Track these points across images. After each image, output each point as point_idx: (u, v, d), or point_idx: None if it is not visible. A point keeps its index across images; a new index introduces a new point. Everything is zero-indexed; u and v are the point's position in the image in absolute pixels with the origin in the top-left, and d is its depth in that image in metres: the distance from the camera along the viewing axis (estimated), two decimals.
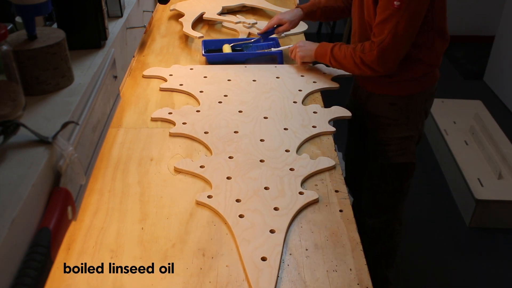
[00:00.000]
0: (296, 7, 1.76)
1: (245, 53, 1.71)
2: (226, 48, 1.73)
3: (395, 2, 1.26)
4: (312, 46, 1.55)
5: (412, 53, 1.39)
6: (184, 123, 1.32)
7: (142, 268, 0.89)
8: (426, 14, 1.32)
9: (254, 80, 1.56)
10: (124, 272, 0.89)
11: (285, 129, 1.30)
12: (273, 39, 1.79)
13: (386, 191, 1.62)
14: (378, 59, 1.34)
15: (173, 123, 1.32)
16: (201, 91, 1.49)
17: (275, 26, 1.72)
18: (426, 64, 1.43)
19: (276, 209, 1.03)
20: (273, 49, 1.71)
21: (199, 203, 1.05)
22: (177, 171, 1.15)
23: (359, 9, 1.45)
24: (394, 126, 1.51)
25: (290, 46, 1.77)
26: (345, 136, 1.81)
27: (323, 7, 1.70)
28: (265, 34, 1.75)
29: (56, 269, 0.88)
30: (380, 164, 1.57)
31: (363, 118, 1.59)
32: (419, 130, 1.56)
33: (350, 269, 0.90)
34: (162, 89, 1.51)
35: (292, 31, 1.93)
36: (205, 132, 1.28)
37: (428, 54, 1.41)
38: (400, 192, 1.63)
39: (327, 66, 1.61)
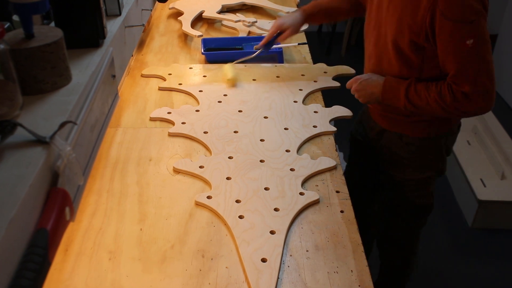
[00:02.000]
0: (297, 9, 1.65)
1: (245, 51, 1.71)
2: (228, 68, 1.58)
3: (467, 42, 1.11)
4: (374, 88, 1.29)
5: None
6: (183, 123, 1.32)
7: (141, 269, 0.89)
8: None
9: (254, 80, 1.56)
10: (123, 273, 0.89)
11: (286, 129, 1.30)
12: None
13: (399, 227, 1.54)
14: (483, 104, 1.17)
15: (172, 123, 1.32)
16: (200, 91, 1.49)
17: (276, 34, 1.56)
18: None
19: (276, 209, 1.03)
20: (281, 45, 1.70)
21: (198, 204, 1.05)
22: (176, 171, 1.15)
23: (376, 33, 1.30)
24: (410, 166, 1.39)
25: (292, 44, 1.76)
26: (346, 136, 1.80)
27: (326, 8, 1.57)
28: (267, 46, 1.59)
29: (54, 270, 0.89)
30: (393, 203, 1.49)
31: (374, 152, 1.47)
32: (440, 170, 1.44)
33: (351, 271, 0.90)
34: (161, 89, 1.51)
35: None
36: (205, 132, 1.28)
37: None
38: (415, 227, 1.55)
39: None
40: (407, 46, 1.20)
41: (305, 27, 1.95)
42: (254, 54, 1.61)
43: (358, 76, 1.35)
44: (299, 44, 1.79)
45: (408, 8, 1.18)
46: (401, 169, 1.41)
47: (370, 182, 1.60)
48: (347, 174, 1.65)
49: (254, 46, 1.62)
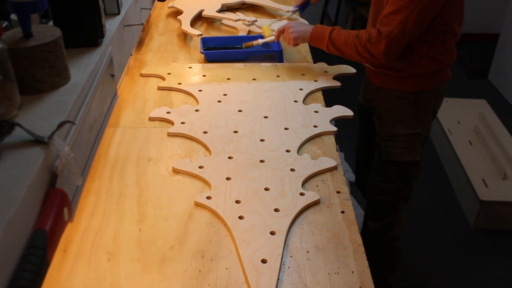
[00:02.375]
0: None
1: (244, 50, 1.71)
2: (266, 29, 1.72)
3: None
4: (306, 27, 1.51)
5: (423, 49, 1.39)
6: (182, 123, 1.32)
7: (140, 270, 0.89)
8: (439, 12, 1.32)
9: (254, 79, 1.56)
10: (122, 274, 0.89)
11: (286, 128, 1.30)
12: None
13: (389, 191, 1.61)
14: (384, 50, 1.33)
15: (172, 123, 1.33)
16: (200, 90, 1.49)
17: None
18: (437, 61, 1.43)
19: (276, 210, 1.03)
20: (260, 40, 1.69)
21: (198, 204, 1.05)
22: (176, 171, 1.15)
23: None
24: (400, 121, 1.50)
25: (279, 24, 1.77)
26: (347, 136, 1.81)
27: None
28: (303, 6, 1.77)
29: (52, 271, 0.89)
30: (384, 161, 1.57)
31: (370, 112, 1.59)
32: (426, 129, 1.55)
33: (352, 272, 0.91)
34: (160, 88, 1.51)
35: None
36: (204, 132, 1.28)
37: (439, 52, 1.41)
38: (402, 193, 1.62)
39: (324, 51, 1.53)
40: None
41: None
42: (290, 12, 1.82)
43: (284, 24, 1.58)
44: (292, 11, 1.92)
45: None
46: (392, 125, 1.51)
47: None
48: (358, 149, 1.84)
49: (295, 5, 1.84)
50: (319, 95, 1.51)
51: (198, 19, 2.03)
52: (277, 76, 1.58)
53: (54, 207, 0.71)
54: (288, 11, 1.90)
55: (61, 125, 0.75)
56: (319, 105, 1.42)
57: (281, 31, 1.58)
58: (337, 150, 1.25)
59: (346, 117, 1.40)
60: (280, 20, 1.98)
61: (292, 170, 1.15)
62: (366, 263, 0.92)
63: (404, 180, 1.59)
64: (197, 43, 1.82)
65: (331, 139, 1.29)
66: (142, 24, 1.57)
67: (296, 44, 1.57)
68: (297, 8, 1.80)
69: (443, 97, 1.58)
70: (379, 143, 1.58)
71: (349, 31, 1.41)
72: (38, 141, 0.73)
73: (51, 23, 1.06)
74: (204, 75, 1.58)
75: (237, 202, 1.05)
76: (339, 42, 1.41)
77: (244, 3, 2.14)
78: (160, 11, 2.16)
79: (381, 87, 1.52)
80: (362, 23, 3.88)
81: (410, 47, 1.38)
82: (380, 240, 1.70)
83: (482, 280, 2.07)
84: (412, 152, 1.53)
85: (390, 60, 1.38)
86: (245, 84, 1.53)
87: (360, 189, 1.89)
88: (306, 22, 1.99)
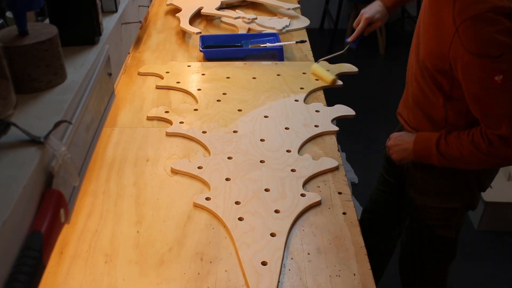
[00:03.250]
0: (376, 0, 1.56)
1: (244, 49, 1.71)
2: (320, 70, 1.57)
3: (495, 78, 1.02)
4: (407, 144, 1.26)
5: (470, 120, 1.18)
6: (181, 122, 1.32)
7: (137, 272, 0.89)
8: None
9: (254, 78, 1.56)
10: (119, 276, 0.89)
11: (286, 128, 1.30)
12: (274, 34, 1.79)
13: (421, 256, 1.48)
14: None
15: (170, 122, 1.33)
16: (199, 89, 1.49)
17: (365, 27, 1.54)
18: None
19: (277, 211, 1.03)
20: (268, 45, 1.70)
21: (197, 205, 1.05)
22: (174, 172, 1.15)
23: (416, 49, 1.26)
24: (436, 193, 1.32)
25: (290, 42, 1.75)
26: (349, 136, 1.80)
27: None
28: (357, 40, 1.57)
29: (48, 273, 0.89)
30: (416, 229, 1.43)
31: (402, 169, 1.42)
32: (467, 203, 1.35)
33: (354, 274, 0.91)
34: (158, 87, 1.51)
35: (293, 26, 1.94)
36: (203, 132, 1.28)
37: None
38: (438, 259, 1.46)
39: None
40: (434, 67, 1.15)
41: (306, 23, 1.95)
42: (343, 50, 1.60)
43: (393, 134, 1.35)
44: (297, 42, 1.77)
45: (435, 28, 1.12)
46: (424, 194, 1.35)
47: (396, 204, 1.55)
48: (374, 193, 1.64)
49: (347, 40, 1.61)
50: (320, 94, 1.51)
51: (197, 16, 2.03)
52: (278, 74, 1.58)
53: (51, 208, 0.71)
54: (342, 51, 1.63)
55: (57, 124, 0.75)
56: (320, 105, 1.42)
57: (388, 141, 1.36)
58: (338, 150, 1.25)
59: (347, 116, 1.40)
60: (281, 18, 1.98)
61: (292, 170, 1.15)
62: (368, 266, 0.92)
63: (437, 252, 1.44)
64: (196, 41, 1.82)
65: (333, 139, 1.29)
66: (140, 22, 1.57)
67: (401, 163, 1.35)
68: (348, 44, 1.59)
69: (493, 170, 1.36)
70: (407, 206, 1.43)
71: (459, 137, 1.15)
72: (34, 141, 0.73)
73: (47, 20, 1.06)
74: (203, 74, 1.58)
75: (237, 203, 1.05)
76: (451, 156, 1.16)
77: (243, 1, 2.14)
78: (158, 8, 2.16)
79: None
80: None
81: (454, 117, 1.20)
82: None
83: (486, 282, 2.07)
84: (445, 227, 1.36)
85: None
86: (245, 83, 1.53)
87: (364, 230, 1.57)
88: (307, 20, 2.00)
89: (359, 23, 1.53)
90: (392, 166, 1.48)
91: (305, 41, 1.79)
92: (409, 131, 1.32)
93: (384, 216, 1.63)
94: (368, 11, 1.53)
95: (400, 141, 1.29)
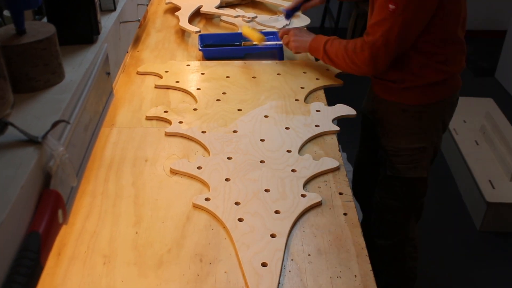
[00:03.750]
0: None
1: (243, 48, 1.71)
2: (249, 31, 1.69)
3: (390, 6, 1.26)
4: (307, 37, 1.53)
5: (422, 59, 1.38)
6: (180, 122, 1.32)
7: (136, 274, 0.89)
8: (431, 20, 1.31)
9: (254, 77, 1.56)
10: (118, 278, 0.89)
11: (287, 128, 1.30)
12: (274, 33, 1.79)
13: (395, 208, 1.58)
14: (368, 60, 1.34)
15: (169, 122, 1.33)
16: (198, 89, 1.49)
17: (302, 1, 1.69)
18: (440, 71, 1.40)
19: (277, 212, 1.03)
20: (269, 43, 1.70)
21: (196, 206, 1.05)
22: (173, 172, 1.15)
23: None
24: (405, 135, 1.47)
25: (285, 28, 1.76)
26: (350, 136, 1.80)
27: None
28: (292, 10, 1.71)
29: (46, 275, 0.89)
30: (389, 177, 1.54)
31: (374, 124, 1.58)
32: (435, 143, 1.51)
33: (355, 276, 0.91)
34: (157, 86, 1.51)
35: (294, 25, 1.93)
36: (203, 132, 1.28)
37: (441, 61, 1.39)
38: (409, 210, 1.58)
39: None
40: None
41: (307, 22, 1.95)
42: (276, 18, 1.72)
43: (290, 29, 1.59)
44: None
45: None
46: (396, 139, 1.49)
47: (375, 165, 1.65)
48: (358, 157, 1.81)
49: (280, 8, 1.73)
50: (321, 93, 1.51)
51: (197, 15, 2.03)
52: (278, 74, 1.58)
53: (48, 209, 0.71)
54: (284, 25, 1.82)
55: (55, 124, 0.75)
56: (321, 104, 1.42)
57: (285, 33, 1.60)
58: (339, 150, 1.25)
59: (348, 116, 1.40)
60: (281, 17, 1.98)
61: (293, 171, 1.15)
62: (369, 267, 0.92)
63: (410, 198, 1.56)
64: (195, 40, 1.82)
65: (333, 139, 1.29)
66: (139, 20, 1.57)
67: (297, 52, 1.61)
68: (284, 11, 1.75)
69: (453, 108, 1.54)
70: (381, 157, 1.56)
71: (341, 41, 1.43)
72: (32, 141, 0.73)
73: (45, 19, 1.06)
74: (202, 73, 1.58)
75: (237, 203, 1.05)
76: (331, 54, 1.43)
77: None
78: (157, 7, 2.16)
79: (384, 99, 1.50)
80: (365, 19, 3.89)
81: (409, 57, 1.37)
82: (391, 259, 1.66)
83: (489, 283, 2.08)
84: (418, 168, 1.50)
85: (377, 71, 1.39)
86: (244, 82, 1.53)
87: (357, 199, 1.83)
88: (308, 19, 2.00)
89: None
90: (367, 123, 1.63)
91: None
92: (375, 83, 1.54)
93: (367, 174, 1.76)
94: None
95: (301, 37, 1.55)
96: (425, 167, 1.51)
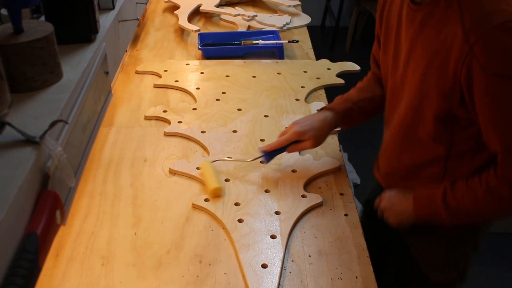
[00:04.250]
0: (321, 109, 1.19)
1: (243, 47, 1.72)
2: (207, 172, 1.13)
3: None
4: (404, 205, 1.05)
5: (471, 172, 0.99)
6: (179, 122, 1.32)
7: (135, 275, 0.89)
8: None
9: (254, 76, 1.57)
10: (116, 279, 0.89)
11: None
12: (274, 32, 1.79)
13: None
14: None
15: (168, 122, 1.33)
16: (197, 88, 1.49)
17: (290, 143, 1.13)
18: None
19: (277, 213, 1.03)
20: (261, 42, 1.69)
21: (195, 207, 1.05)
22: (172, 172, 1.15)
23: (394, 98, 1.06)
24: (426, 262, 1.15)
25: (283, 41, 1.67)
26: (350, 135, 1.79)
27: (359, 101, 1.18)
28: (272, 153, 1.13)
29: (44, 276, 0.89)
30: (407, 278, 1.23)
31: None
32: (461, 272, 1.17)
33: (356, 277, 0.91)
34: (156, 86, 1.51)
35: (294, 24, 1.94)
36: (202, 132, 1.28)
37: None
38: None
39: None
40: (434, 114, 0.93)
41: (307, 21, 1.94)
42: (251, 159, 1.16)
43: (384, 193, 1.12)
44: (289, 42, 1.73)
45: (434, 63, 0.90)
46: (412, 264, 1.17)
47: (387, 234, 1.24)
48: (364, 217, 1.32)
49: (260, 149, 1.14)
50: (322, 93, 1.51)
51: (196, 14, 2.03)
52: (278, 73, 1.59)
53: (46, 209, 0.71)
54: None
55: (53, 124, 0.75)
56: (322, 104, 1.42)
57: (379, 202, 1.13)
58: (340, 150, 1.25)
59: None
60: (281, 15, 1.98)
61: (293, 171, 1.15)
62: (370, 268, 0.92)
63: None
64: (194, 39, 1.82)
65: (334, 139, 1.29)
66: (138, 19, 1.57)
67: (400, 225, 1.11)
68: (261, 155, 1.13)
69: (487, 229, 1.19)
70: (397, 249, 1.22)
71: (469, 186, 0.95)
72: (30, 141, 0.73)
73: (43, 18, 1.06)
74: (202, 73, 1.58)
75: (236, 204, 1.05)
76: (464, 210, 0.96)
77: None
78: (156, 5, 2.16)
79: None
80: (367, 18, 3.89)
81: (456, 172, 1.00)
82: None
83: (493, 285, 2.07)
84: (443, 270, 1.16)
85: None
86: (244, 81, 1.53)
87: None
88: (309, 18, 2.00)
89: (285, 134, 1.13)
90: (371, 216, 1.20)
91: (297, 41, 1.75)
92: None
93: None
94: (300, 123, 1.13)
95: (395, 202, 1.08)
96: (452, 267, 1.17)
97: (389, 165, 1.13)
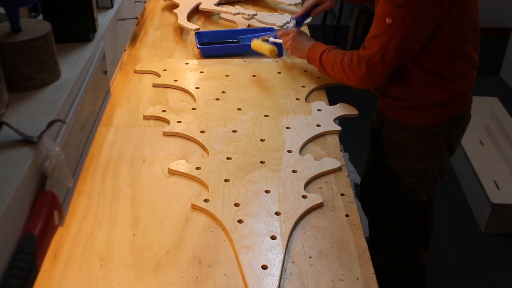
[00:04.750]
0: None
1: (242, 44, 1.71)
2: (260, 44, 1.61)
3: (387, 19, 1.23)
4: (306, 44, 1.50)
5: (428, 77, 1.33)
6: (178, 122, 1.32)
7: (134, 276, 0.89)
8: (434, 37, 1.26)
9: (254, 76, 1.56)
10: (115, 281, 0.89)
11: (287, 128, 1.30)
12: (271, 29, 1.79)
13: (393, 230, 1.54)
14: (365, 75, 1.31)
15: (167, 122, 1.33)
16: (197, 87, 1.49)
17: (312, 7, 1.62)
18: (447, 90, 1.35)
19: (277, 213, 1.03)
20: (271, 39, 1.70)
21: (195, 207, 1.05)
22: (172, 173, 1.15)
23: None
24: (406, 155, 1.43)
25: (287, 29, 1.75)
26: (352, 135, 1.80)
27: None
28: (302, 18, 1.64)
29: (42, 278, 0.89)
30: (388, 197, 1.51)
31: (380, 140, 1.53)
32: (438, 166, 1.45)
33: (357, 278, 0.91)
34: (155, 85, 1.51)
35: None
36: (202, 131, 1.28)
37: (448, 80, 1.33)
38: (411, 234, 1.54)
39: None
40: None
41: (308, 20, 1.95)
42: (283, 27, 1.74)
43: (292, 32, 1.55)
44: None
45: None
46: (397, 158, 1.46)
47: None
48: (366, 172, 1.75)
49: (291, 17, 1.70)
50: (323, 92, 1.51)
51: (195, 12, 2.03)
52: (278, 72, 1.59)
53: (44, 210, 0.71)
54: (285, 24, 1.84)
55: (51, 124, 0.75)
56: (323, 103, 1.42)
57: (286, 34, 1.57)
58: (341, 150, 1.25)
59: (350, 115, 1.40)
60: (281, 14, 1.98)
61: (294, 171, 1.15)
62: (371, 269, 0.92)
63: (409, 221, 1.51)
64: (194, 38, 1.82)
65: (335, 139, 1.29)
66: (136, 18, 1.57)
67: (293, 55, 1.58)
68: (294, 20, 1.65)
69: (463, 127, 1.48)
70: (385, 176, 1.51)
71: (338, 53, 1.39)
72: (27, 141, 0.73)
73: (40, 17, 1.06)
74: (201, 72, 1.58)
75: (236, 205, 1.05)
76: (327, 66, 1.41)
77: None
78: (155, 4, 2.16)
79: (388, 116, 1.46)
80: (368, 17, 3.89)
81: (413, 74, 1.33)
82: (391, 284, 1.58)
83: (493, 287, 2.07)
84: (417, 191, 1.46)
85: (372, 86, 1.37)
86: (244, 81, 1.53)
87: (363, 208, 1.77)
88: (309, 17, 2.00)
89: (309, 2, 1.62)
90: (375, 138, 1.58)
91: None
92: (380, 99, 1.49)
93: (375, 190, 1.69)
94: None
95: (300, 42, 1.52)
96: (425, 191, 1.46)
97: None
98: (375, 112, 1.59)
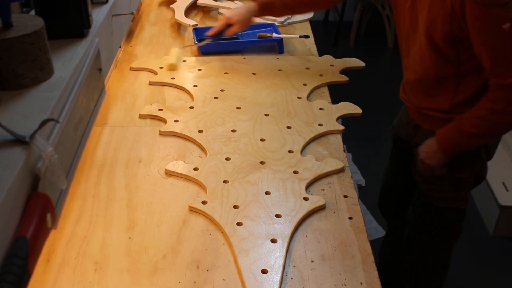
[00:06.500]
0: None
1: (241, 41, 1.72)
2: (175, 52, 1.62)
3: (503, 26, 1.09)
4: (433, 146, 1.31)
5: (477, 88, 1.24)
6: (176, 121, 1.32)
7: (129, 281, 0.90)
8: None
9: (253, 73, 1.57)
10: (110, 286, 0.89)
11: (288, 127, 1.31)
12: (271, 24, 1.80)
13: (428, 233, 1.53)
14: None
15: (164, 121, 1.33)
16: (195, 85, 1.49)
17: (224, 27, 1.59)
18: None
19: (278, 216, 1.03)
20: (275, 35, 1.71)
21: (192, 210, 1.05)
22: (169, 174, 1.15)
23: (407, 29, 1.30)
24: (445, 164, 1.36)
25: (293, 36, 1.75)
26: (355, 135, 1.80)
27: None
28: (216, 36, 1.62)
29: (34, 282, 0.89)
30: (423, 203, 1.48)
31: (409, 147, 1.47)
32: (476, 173, 1.43)
33: (361, 283, 0.91)
34: (151, 83, 1.52)
35: (296, 18, 1.94)
36: (200, 131, 1.28)
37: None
38: (446, 236, 1.54)
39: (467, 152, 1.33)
40: (441, 37, 1.19)
41: (309, 15, 1.95)
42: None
43: (419, 148, 1.37)
44: (300, 36, 1.78)
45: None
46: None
47: (406, 184, 1.60)
48: (388, 177, 1.71)
49: (204, 33, 1.67)
50: (325, 91, 1.51)
51: (193, 8, 2.03)
52: (279, 70, 1.59)
53: (36, 212, 0.71)
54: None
55: (43, 123, 0.75)
56: (325, 102, 1.42)
57: (420, 161, 1.40)
58: (344, 150, 1.25)
59: (354, 114, 1.40)
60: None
61: (295, 172, 1.15)
62: (376, 274, 0.93)
63: (445, 226, 1.50)
64: (192, 35, 1.82)
65: (338, 139, 1.29)
66: (132, 13, 1.57)
67: (437, 172, 1.38)
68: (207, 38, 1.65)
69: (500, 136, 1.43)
70: (419, 183, 1.47)
71: (472, 111, 1.22)
72: (19, 141, 0.73)
73: (33, 12, 1.06)
74: (199, 69, 1.58)
75: (235, 207, 1.05)
76: (473, 126, 1.22)
77: None
78: None
79: (422, 126, 1.39)
80: (372, 13, 3.89)
81: (471, 86, 1.25)
82: (416, 276, 1.64)
83: None
84: (456, 199, 1.43)
85: None
86: (244, 78, 1.54)
87: (383, 214, 1.80)
88: (311, 13, 2.00)
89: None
90: (401, 146, 1.55)
91: (308, 36, 1.79)
92: (412, 110, 1.41)
93: (397, 196, 1.69)
94: (234, 10, 1.61)
95: (427, 149, 1.33)
96: (463, 198, 1.44)
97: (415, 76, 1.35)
98: (404, 120, 1.51)
